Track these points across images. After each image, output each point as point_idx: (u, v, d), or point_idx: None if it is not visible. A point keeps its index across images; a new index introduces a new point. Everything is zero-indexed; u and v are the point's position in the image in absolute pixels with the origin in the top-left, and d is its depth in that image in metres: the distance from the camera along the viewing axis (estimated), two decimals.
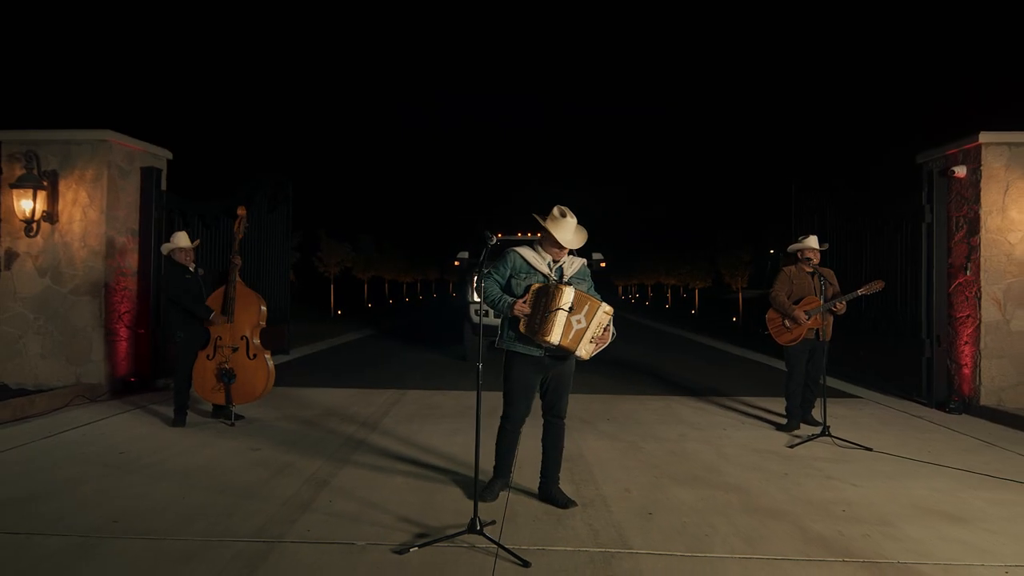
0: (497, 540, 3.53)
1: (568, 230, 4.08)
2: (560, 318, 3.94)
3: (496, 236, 4.27)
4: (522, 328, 4.05)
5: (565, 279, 4.17)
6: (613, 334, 4.24)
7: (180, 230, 8.14)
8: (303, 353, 12.26)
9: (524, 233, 12.77)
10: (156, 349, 8.34)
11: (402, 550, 3.47)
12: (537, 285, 4.10)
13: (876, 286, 6.08)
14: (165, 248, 6.51)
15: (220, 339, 6.37)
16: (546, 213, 4.15)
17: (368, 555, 3.44)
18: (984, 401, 7.30)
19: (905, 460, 5.45)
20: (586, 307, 4.00)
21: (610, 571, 3.31)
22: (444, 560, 3.38)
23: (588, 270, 4.39)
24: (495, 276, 4.24)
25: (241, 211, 6.58)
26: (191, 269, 6.45)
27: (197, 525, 3.82)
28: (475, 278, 11.04)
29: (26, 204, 7.51)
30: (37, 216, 7.60)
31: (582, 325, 3.99)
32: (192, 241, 6.53)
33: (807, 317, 6.13)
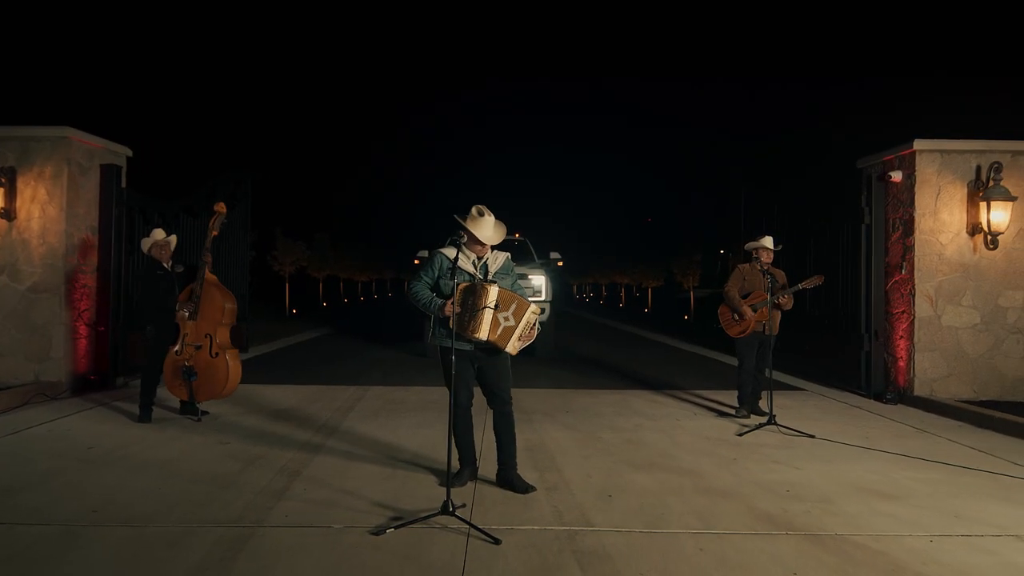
0: (469, 520, 3.76)
1: (487, 227, 4.34)
2: (487, 316, 4.21)
3: (455, 237, 4.50)
4: (452, 325, 4.25)
5: (490, 275, 4.43)
6: (539, 329, 4.49)
7: (145, 227, 8.19)
8: (261, 352, 12.26)
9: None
10: (116, 347, 8.31)
11: (379, 531, 3.67)
12: (464, 284, 4.32)
13: (816, 280, 6.48)
14: (145, 244, 6.56)
15: (186, 336, 6.42)
16: (466, 213, 4.38)
17: (346, 537, 3.63)
18: (918, 392, 7.79)
19: (844, 446, 5.84)
20: (513, 305, 4.27)
21: (575, 546, 3.56)
22: (419, 539, 3.59)
23: (512, 264, 4.65)
24: (424, 278, 4.47)
25: (220, 207, 6.62)
26: (165, 265, 6.49)
27: (177, 513, 3.95)
28: None
29: None
30: None
31: (510, 323, 4.26)
32: (168, 236, 6.57)
33: (753, 311, 6.51)
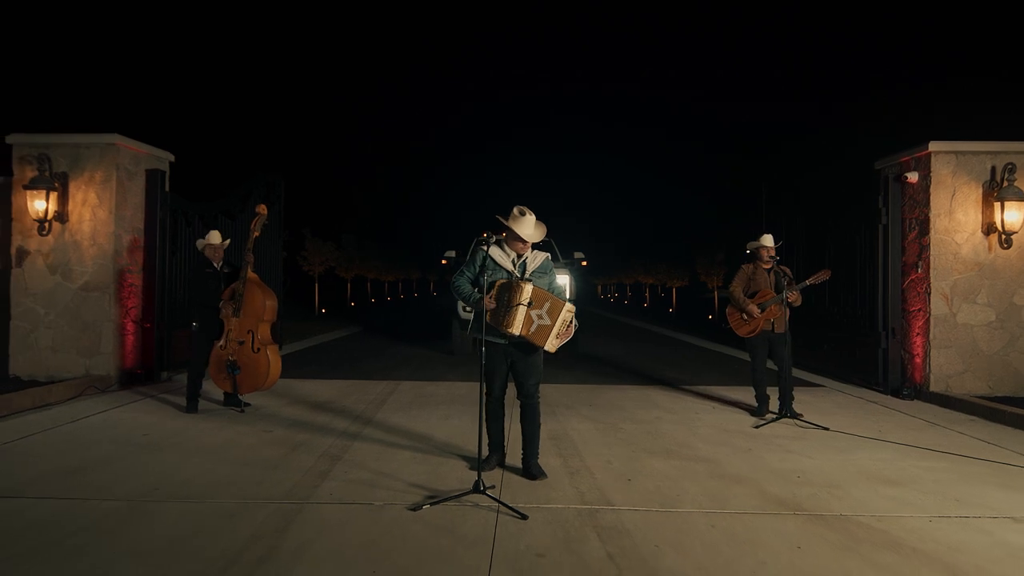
0: (498, 499, 4.08)
1: (528, 226, 4.61)
2: (520, 312, 4.47)
3: (493, 235, 4.81)
4: (488, 319, 4.56)
5: (528, 273, 4.69)
6: (575, 326, 4.73)
7: (186, 228, 8.67)
8: (294, 349, 12.69)
9: (504, 233, 13.30)
10: (161, 343, 8.77)
11: (416, 507, 4.01)
12: (501, 281, 4.60)
13: (823, 275, 6.65)
14: (199, 244, 6.98)
15: (230, 332, 6.82)
16: (507, 213, 4.66)
17: (387, 512, 3.97)
18: (933, 388, 7.97)
19: (856, 437, 6.07)
20: (547, 304, 4.51)
21: (595, 522, 3.87)
22: (453, 515, 3.92)
23: (551, 263, 4.89)
24: (466, 273, 4.77)
25: (262, 209, 7.01)
26: (215, 265, 6.90)
27: (231, 491, 4.33)
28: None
29: (39, 205, 7.91)
30: (50, 216, 8.00)
31: (544, 321, 4.50)
32: (223, 240, 7.00)
33: (760, 311, 6.71)
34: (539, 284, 4.64)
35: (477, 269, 4.72)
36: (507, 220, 4.64)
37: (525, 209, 4.66)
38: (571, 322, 4.63)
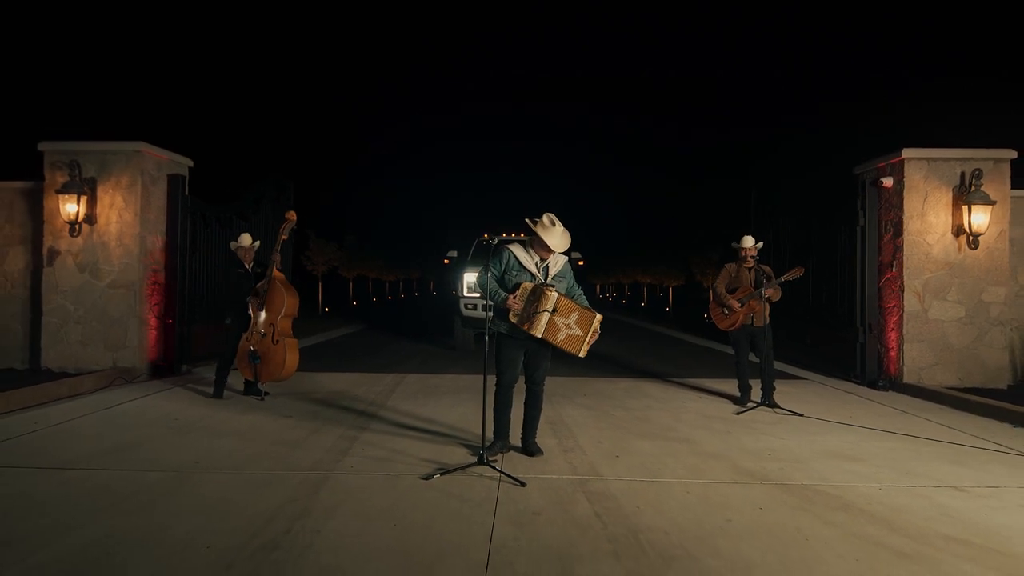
0: (500, 469, 4.63)
1: (556, 236, 4.99)
2: (544, 318, 4.91)
3: (495, 238, 5.31)
4: (512, 319, 5.01)
5: (550, 277, 5.11)
6: (599, 333, 5.12)
7: (204, 230, 9.26)
8: (303, 345, 13.12)
9: (509, 234, 13.87)
10: (181, 338, 9.31)
11: (427, 477, 4.56)
12: (529, 285, 4.98)
13: (797, 272, 7.16)
14: (232, 246, 7.56)
15: (255, 324, 7.37)
16: (537, 217, 5.06)
17: (402, 481, 4.52)
18: (907, 379, 8.51)
19: (828, 423, 6.62)
20: (575, 315, 4.91)
21: (585, 489, 4.42)
22: (461, 483, 4.47)
23: (570, 267, 5.34)
24: (493, 271, 5.16)
25: (291, 216, 7.57)
26: (246, 266, 7.47)
27: (263, 464, 4.88)
28: (465, 275, 12.12)
29: (71, 208, 8.46)
30: (80, 218, 8.55)
31: (575, 332, 4.91)
32: (253, 241, 7.57)
33: (739, 305, 7.26)
34: (560, 287, 5.04)
35: (503, 269, 5.12)
36: (536, 227, 4.98)
37: (555, 219, 5.00)
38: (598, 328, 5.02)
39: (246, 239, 7.54)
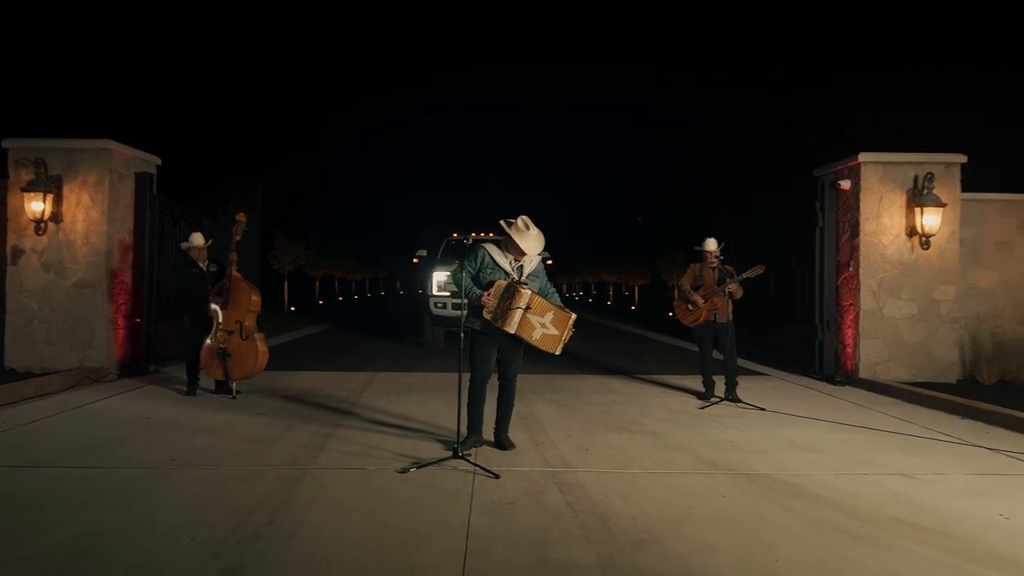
0: (475, 462, 4.77)
1: (530, 239, 5.15)
2: (518, 315, 5.06)
3: (466, 237, 5.45)
4: (486, 315, 5.15)
5: (524, 276, 5.27)
6: (573, 331, 5.31)
7: (172, 229, 9.24)
8: (269, 344, 13.13)
9: (479, 233, 14.01)
10: (149, 337, 9.25)
11: (404, 470, 4.68)
12: (504, 283, 5.12)
13: (758, 269, 7.41)
14: (184, 246, 7.53)
15: (219, 324, 7.39)
16: (512, 219, 5.20)
17: (379, 475, 4.63)
18: (863, 374, 8.85)
19: (789, 416, 6.88)
20: (550, 315, 5.08)
21: (557, 480, 4.58)
22: (436, 476, 4.60)
23: (543, 266, 5.52)
24: (468, 269, 5.29)
25: (241, 217, 7.59)
26: (200, 265, 7.47)
27: (240, 460, 4.94)
28: (434, 274, 12.22)
29: (37, 206, 8.37)
30: (46, 217, 8.46)
31: (550, 331, 5.08)
32: (206, 241, 7.57)
33: (703, 300, 7.50)
34: (533, 286, 5.18)
35: (477, 267, 5.26)
36: (510, 229, 5.14)
37: (530, 223, 5.17)
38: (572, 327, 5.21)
39: (198, 239, 7.57)
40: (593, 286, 45.58)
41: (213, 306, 7.32)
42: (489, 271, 5.25)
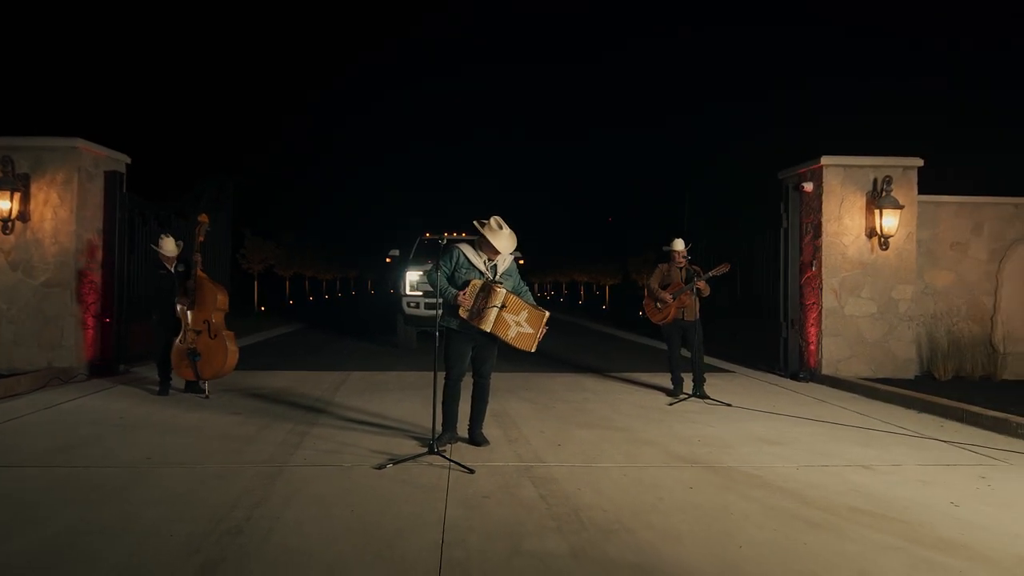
0: (450, 458, 4.88)
1: (503, 238, 5.28)
2: (493, 313, 5.18)
3: (441, 237, 5.56)
4: (462, 314, 5.26)
5: (498, 275, 5.40)
6: (547, 328, 5.45)
7: (143, 227, 9.22)
8: (240, 344, 13.09)
9: (451, 233, 14.10)
10: (119, 337, 9.20)
11: (380, 467, 4.77)
12: (479, 282, 5.24)
13: (723, 268, 7.61)
14: (154, 247, 7.53)
15: (187, 325, 7.40)
16: (485, 219, 5.32)
17: (355, 471, 4.72)
18: (825, 371, 9.13)
19: (754, 411, 7.10)
20: (524, 313, 5.21)
21: (530, 474, 4.72)
22: (412, 471, 4.70)
23: (516, 265, 5.66)
24: (444, 269, 5.42)
25: (203, 218, 7.60)
26: (167, 266, 7.49)
27: (216, 458, 5.00)
28: (408, 274, 12.28)
29: (3, 205, 8.29)
30: (13, 215, 8.38)
31: (525, 329, 5.22)
32: (177, 245, 7.60)
33: (672, 298, 7.68)
34: (507, 285, 5.31)
35: (452, 267, 5.38)
36: (484, 229, 5.27)
37: (503, 222, 5.30)
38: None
39: (168, 245, 7.57)
40: (564, 285, 45.85)
41: (179, 306, 7.33)
42: (464, 271, 5.36)
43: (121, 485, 4.36)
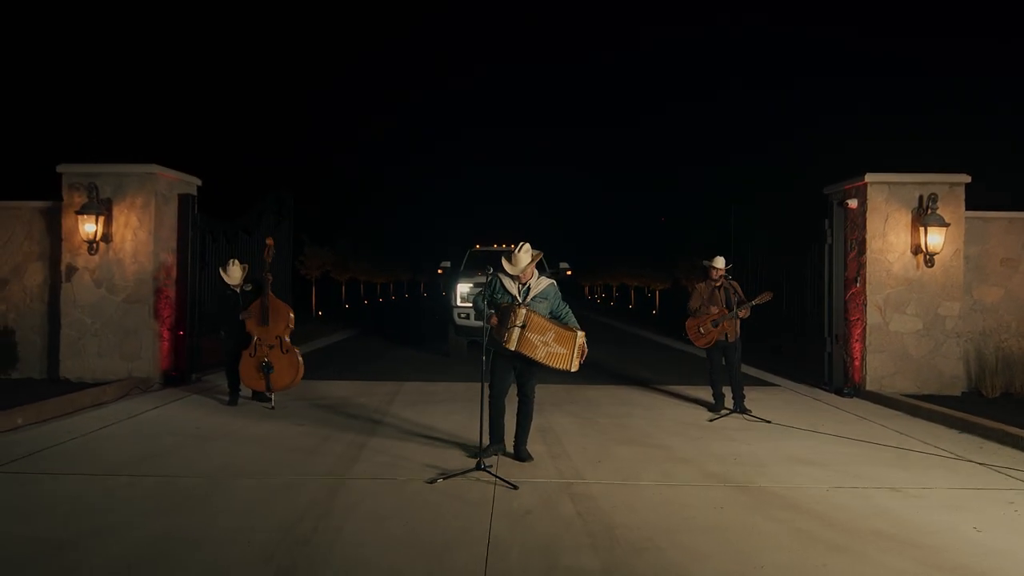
0: (496, 474, 5.26)
1: (511, 265, 5.73)
2: (516, 332, 5.56)
3: (489, 269, 5.95)
4: (494, 334, 5.70)
5: (529, 298, 5.76)
6: (586, 348, 5.76)
7: (212, 244, 9.93)
8: (302, 352, 13.75)
9: (500, 244, 14.53)
10: (192, 349, 9.87)
11: (432, 481, 5.19)
12: (504, 304, 5.72)
13: (766, 297, 7.80)
14: (222, 272, 8.17)
15: (259, 340, 7.98)
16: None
17: (409, 485, 5.14)
18: (869, 387, 9.20)
19: (793, 429, 7.28)
20: (550, 332, 5.51)
21: (570, 491, 5.07)
22: (461, 487, 5.10)
23: (554, 288, 5.96)
24: (485, 293, 5.94)
25: (270, 242, 8.20)
26: (233, 287, 8.12)
27: (284, 470, 5.48)
28: (458, 285, 12.74)
29: (90, 227, 9.02)
30: (98, 237, 9.11)
31: (554, 349, 5.53)
32: (243, 271, 8.24)
33: (714, 326, 7.87)
34: (539, 308, 5.69)
35: (491, 293, 5.90)
36: (503, 258, 5.80)
37: (513, 250, 5.77)
38: (584, 344, 5.68)
39: (235, 275, 8.17)
40: (615, 288, 45.85)
41: (250, 323, 7.96)
42: (500, 295, 5.84)
43: (202, 495, 4.87)
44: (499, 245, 14.70)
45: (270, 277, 8.10)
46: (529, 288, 5.83)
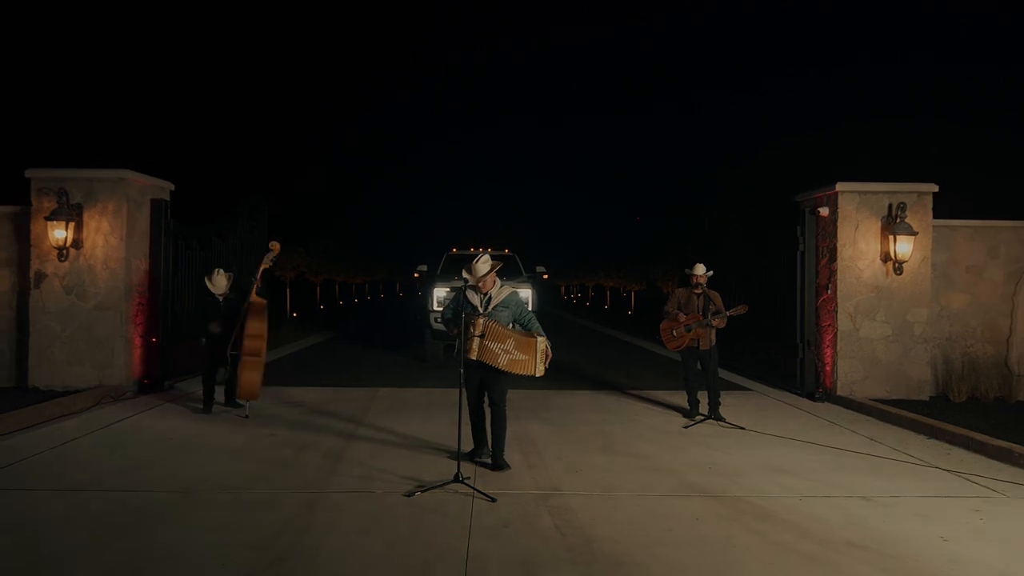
0: (473, 486, 5.27)
1: (475, 273, 5.82)
2: (475, 342, 5.65)
3: (465, 275, 5.97)
4: (458, 344, 5.74)
5: (491, 307, 5.85)
6: (550, 353, 5.88)
7: (186, 251, 9.81)
8: (277, 356, 13.65)
9: (477, 248, 14.53)
10: (164, 356, 9.74)
11: (409, 494, 5.19)
12: (466, 314, 5.75)
13: (741, 309, 7.90)
14: (207, 281, 8.12)
15: (242, 332, 7.87)
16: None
17: (387, 498, 5.13)
18: (840, 392, 9.36)
19: (767, 436, 7.39)
20: (510, 340, 5.61)
21: (548, 503, 5.09)
22: (439, 500, 5.10)
23: (516, 296, 6.04)
24: (451, 305, 6.06)
25: (274, 246, 8.14)
26: (215, 295, 8.03)
27: (261, 484, 5.45)
28: (435, 290, 12.72)
29: (60, 233, 8.86)
30: (68, 243, 8.95)
31: (516, 356, 5.63)
32: (228, 280, 8.24)
33: (688, 330, 7.97)
34: (501, 316, 5.79)
35: (456, 306, 6.00)
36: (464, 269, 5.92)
37: (480, 258, 5.87)
38: (547, 348, 5.77)
39: (220, 285, 8.15)
40: (591, 289, 46.08)
41: (214, 327, 7.95)
42: (464, 307, 5.90)
43: (180, 510, 4.83)
44: (475, 249, 14.71)
45: (258, 283, 8.08)
46: (491, 298, 5.92)
